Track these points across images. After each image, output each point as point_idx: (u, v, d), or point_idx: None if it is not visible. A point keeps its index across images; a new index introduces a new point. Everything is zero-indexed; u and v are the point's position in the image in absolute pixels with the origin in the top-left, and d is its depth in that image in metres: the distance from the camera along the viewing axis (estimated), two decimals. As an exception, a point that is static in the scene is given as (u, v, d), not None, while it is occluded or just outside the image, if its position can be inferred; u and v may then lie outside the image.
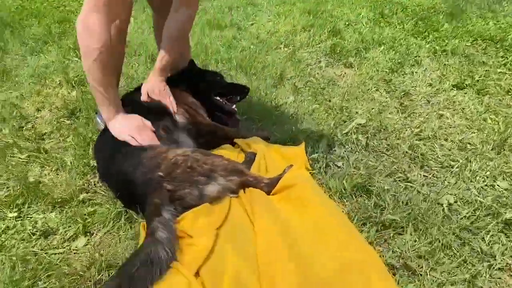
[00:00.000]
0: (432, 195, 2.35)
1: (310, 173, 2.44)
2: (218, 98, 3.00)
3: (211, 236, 1.84)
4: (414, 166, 2.66)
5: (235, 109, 3.03)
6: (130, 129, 2.28)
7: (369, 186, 2.36)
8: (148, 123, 2.42)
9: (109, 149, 2.25)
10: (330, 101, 3.47)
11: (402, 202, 2.28)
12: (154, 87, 2.53)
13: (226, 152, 2.58)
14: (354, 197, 2.31)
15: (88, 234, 1.96)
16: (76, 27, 2.07)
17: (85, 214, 2.03)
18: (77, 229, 1.94)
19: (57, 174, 2.33)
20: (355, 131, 2.99)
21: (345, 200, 2.29)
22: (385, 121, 3.15)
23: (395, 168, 2.62)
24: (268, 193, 2.26)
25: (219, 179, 2.15)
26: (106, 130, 2.36)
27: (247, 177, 2.25)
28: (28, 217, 2.00)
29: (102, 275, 1.73)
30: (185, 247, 1.83)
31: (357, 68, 4.16)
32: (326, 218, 2.01)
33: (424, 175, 2.57)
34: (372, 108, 3.38)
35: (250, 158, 2.51)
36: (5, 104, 2.99)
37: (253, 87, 3.57)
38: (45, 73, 3.61)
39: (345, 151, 2.77)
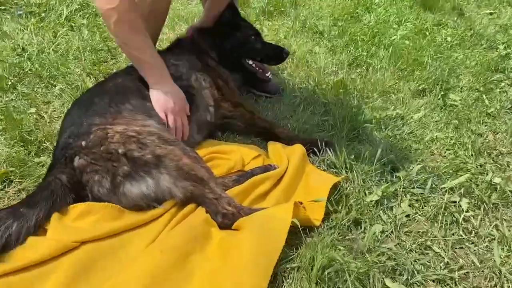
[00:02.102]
0: None
1: (309, 221, 1.59)
2: (250, 62, 2.37)
3: (59, 247, 1.36)
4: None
5: (270, 76, 2.39)
6: (167, 105, 1.90)
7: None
8: (187, 107, 1.99)
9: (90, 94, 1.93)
10: (478, 133, 2.25)
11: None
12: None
13: (232, 150, 1.94)
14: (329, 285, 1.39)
15: (7, 182, 1.74)
16: None
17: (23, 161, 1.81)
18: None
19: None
20: (461, 191, 1.83)
21: (313, 286, 1.40)
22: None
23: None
24: (224, 226, 1.56)
25: (162, 179, 1.58)
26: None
27: (205, 191, 1.59)
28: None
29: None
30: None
31: None
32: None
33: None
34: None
35: (254, 172, 1.80)
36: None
37: (383, 85, 2.64)
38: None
39: (411, 215, 1.72)
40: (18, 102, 2.21)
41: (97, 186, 1.56)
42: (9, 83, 2.31)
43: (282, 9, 3.75)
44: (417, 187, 1.84)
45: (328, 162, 1.96)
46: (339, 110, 2.30)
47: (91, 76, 2.53)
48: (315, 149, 1.99)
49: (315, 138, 2.07)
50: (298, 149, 1.94)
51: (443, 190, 1.84)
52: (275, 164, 1.84)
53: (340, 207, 1.69)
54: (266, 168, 1.83)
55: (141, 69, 1.93)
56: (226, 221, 1.56)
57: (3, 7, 3.30)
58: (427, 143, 2.16)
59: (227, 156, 1.90)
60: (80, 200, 1.58)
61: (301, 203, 1.58)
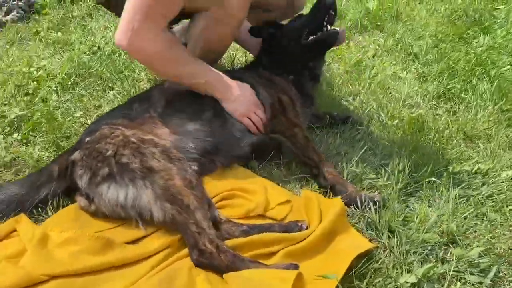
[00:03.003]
0: None
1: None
2: (311, 37, 2.09)
3: (26, 279, 1.27)
4: None
5: (336, 29, 2.07)
6: (244, 111, 1.89)
7: None
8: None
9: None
10: None
11: None
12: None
13: (256, 190, 1.71)
14: None
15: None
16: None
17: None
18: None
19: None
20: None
21: None
22: None
23: None
24: (199, 264, 1.40)
25: (144, 193, 1.49)
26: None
27: (189, 221, 1.43)
28: (29, 143, 1.94)
29: None
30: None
31: None
32: None
33: None
34: None
35: (271, 229, 1.53)
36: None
37: (473, 128, 2.21)
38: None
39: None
40: (71, 104, 2.23)
41: (78, 180, 1.56)
42: (69, 83, 2.35)
43: (379, 23, 3.37)
44: (475, 274, 1.45)
45: (369, 220, 1.64)
46: (406, 154, 1.94)
47: (151, 82, 2.48)
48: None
49: (360, 193, 1.74)
50: (337, 205, 1.60)
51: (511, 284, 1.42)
52: (304, 223, 1.55)
53: (363, 283, 1.38)
54: (289, 227, 1.54)
55: (203, 91, 1.88)
56: (202, 259, 1.39)
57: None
58: (508, 214, 1.71)
59: (250, 196, 1.68)
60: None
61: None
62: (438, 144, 2.07)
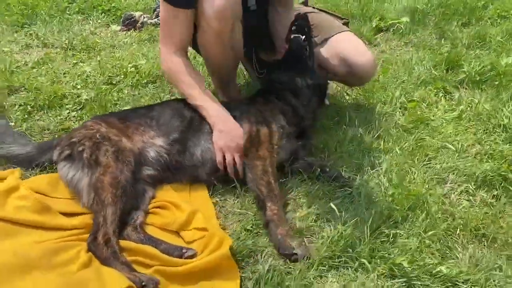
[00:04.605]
0: None
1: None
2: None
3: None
4: None
5: None
6: (220, 144, 2.05)
7: None
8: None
9: None
10: None
11: None
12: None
13: (185, 208, 1.86)
14: None
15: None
16: None
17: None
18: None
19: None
20: None
21: None
22: None
23: None
24: (88, 248, 1.67)
25: (84, 179, 1.84)
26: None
27: (99, 213, 1.73)
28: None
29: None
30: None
31: None
32: None
33: None
34: None
35: (159, 246, 1.69)
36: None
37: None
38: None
39: None
40: (135, 98, 2.68)
41: (54, 153, 1.98)
42: (144, 81, 2.82)
43: (497, 82, 2.87)
44: None
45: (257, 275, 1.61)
46: (360, 225, 1.77)
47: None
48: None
49: (288, 240, 1.73)
50: (225, 246, 1.62)
51: None
52: (190, 251, 1.65)
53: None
54: (170, 250, 1.67)
55: (201, 113, 2.13)
56: (91, 245, 1.66)
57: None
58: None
59: (177, 212, 1.84)
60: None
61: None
62: (416, 230, 1.79)
